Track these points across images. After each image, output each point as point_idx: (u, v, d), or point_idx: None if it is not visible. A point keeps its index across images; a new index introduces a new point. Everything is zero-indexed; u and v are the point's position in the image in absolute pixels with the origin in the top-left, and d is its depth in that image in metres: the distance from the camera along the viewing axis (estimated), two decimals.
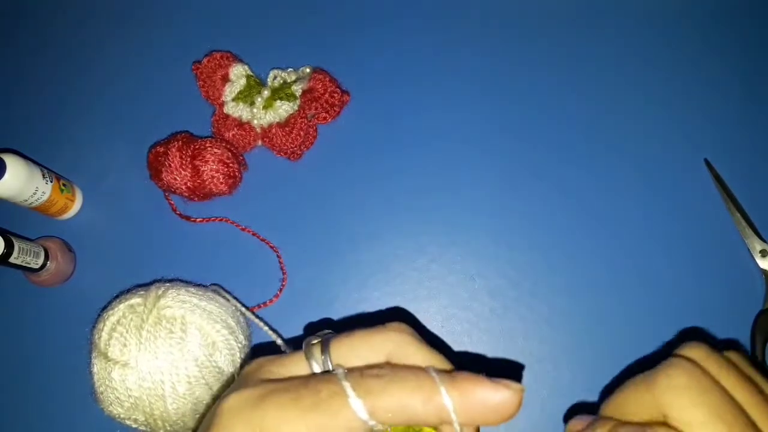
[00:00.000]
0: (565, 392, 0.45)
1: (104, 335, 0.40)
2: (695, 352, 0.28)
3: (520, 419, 0.44)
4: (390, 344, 0.27)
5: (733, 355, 0.30)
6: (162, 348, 0.39)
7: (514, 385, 0.24)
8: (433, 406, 0.23)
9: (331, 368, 0.26)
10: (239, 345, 0.42)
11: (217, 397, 0.39)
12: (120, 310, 0.41)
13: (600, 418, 0.28)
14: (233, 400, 0.24)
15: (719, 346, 0.29)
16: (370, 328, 0.28)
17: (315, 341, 0.27)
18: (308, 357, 0.26)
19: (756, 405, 0.26)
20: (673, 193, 0.48)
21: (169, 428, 0.40)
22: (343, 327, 0.28)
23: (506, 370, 0.46)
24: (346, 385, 0.23)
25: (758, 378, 0.28)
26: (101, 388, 0.40)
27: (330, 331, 0.29)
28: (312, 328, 0.46)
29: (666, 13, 0.53)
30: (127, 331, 0.39)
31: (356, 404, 0.23)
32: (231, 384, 0.36)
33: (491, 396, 0.24)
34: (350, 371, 0.24)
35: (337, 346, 0.26)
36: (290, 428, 0.23)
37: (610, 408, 0.28)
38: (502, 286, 0.47)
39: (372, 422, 0.23)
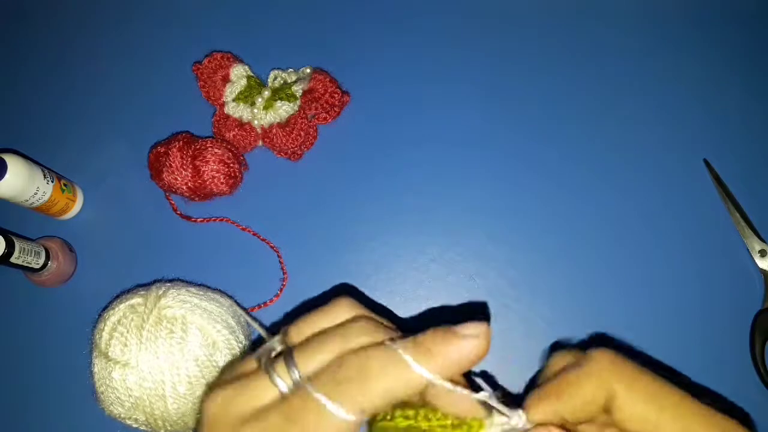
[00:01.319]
0: None
1: (105, 335, 0.40)
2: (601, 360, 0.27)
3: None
4: (344, 329, 0.26)
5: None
6: (163, 348, 0.39)
7: (476, 329, 0.24)
8: (413, 383, 0.23)
9: (298, 380, 0.24)
10: (240, 345, 0.42)
11: None
12: (121, 310, 0.41)
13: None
14: (215, 415, 0.24)
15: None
16: (317, 311, 0.27)
17: (273, 354, 0.26)
18: (273, 378, 0.24)
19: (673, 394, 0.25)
20: (673, 193, 0.48)
21: (169, 428, 0.40)
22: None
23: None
24: (331, 406, 0.22)
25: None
26: (102, 388, 0.40)
27: (275, 336, 0.27)
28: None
29: (666, 13, 0.53)
30: (127, 331, 0.40)
31: (345, 416, 0.22)
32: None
33: (461, 350, 0.24)
34: (319, 381, 0.23)
35: (300, 353, 0.25)
36: None
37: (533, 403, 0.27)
38: (502, 286, 0.47)
39: (363, 418, 0.23)
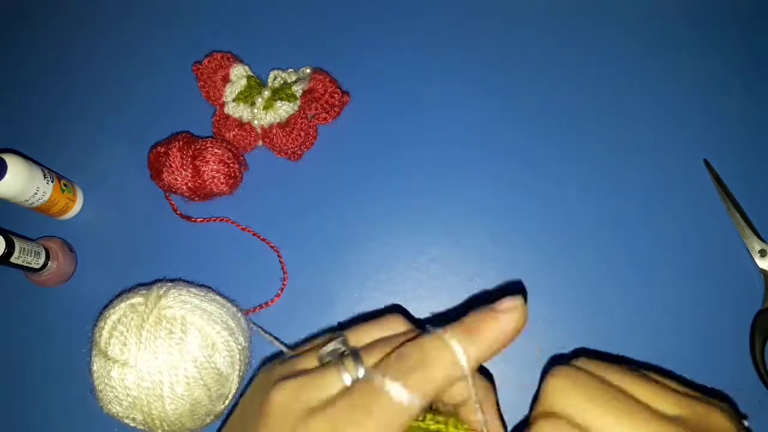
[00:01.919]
0: None
1: (104, 334, 0.40)
2: (576, 361, 0.29)
3: (519, 419, 0.44)
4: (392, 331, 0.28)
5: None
6: (161, 348, 0.39)
7: (512, 302, 0.26)
8: (459, 366, 0.24)
9: (365, 373, 0.26)
10: (239, 347, 0.42)
11: (215, 399, 0.40)
12: (121, 309, 0.41)
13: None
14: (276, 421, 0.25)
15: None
16: (372, 322, 0.30)
17: (342, 351, 0.28)
18: (342, 372, 0.26)
19: (649, 391, 0.25)
20: (673, 193, 0.48)
21: (167, 428, 0.40)
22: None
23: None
24: (396, 390, 0.24)
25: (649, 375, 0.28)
26: (100, 387, 0.40)
27: (341, 334, 0.29)
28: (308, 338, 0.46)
29: (666, 13, 0.53)
30: (127, 330, 0.40)
31: (409, 400, 0.23)
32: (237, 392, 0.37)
33: (500, 325, 0.25)
34: (382, 370, 0.25)
35: (366, 353, 0.27)
36: None
37: None
38: (502, 286, 0.47)
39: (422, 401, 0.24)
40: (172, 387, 0.39)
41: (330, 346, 0.28)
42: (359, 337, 0.29)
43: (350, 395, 0.25)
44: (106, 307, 0.43)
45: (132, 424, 0.41)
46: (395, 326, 0.30)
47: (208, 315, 0.41)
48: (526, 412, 0.43)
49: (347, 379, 0.26)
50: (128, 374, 0.39)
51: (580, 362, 0.28)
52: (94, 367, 0.40)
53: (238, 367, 0.42)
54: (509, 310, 0.26)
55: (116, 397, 0.39)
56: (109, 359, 0.39)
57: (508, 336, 0.26)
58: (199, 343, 0.40)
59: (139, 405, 0.39)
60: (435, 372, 0.24)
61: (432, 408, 0.30)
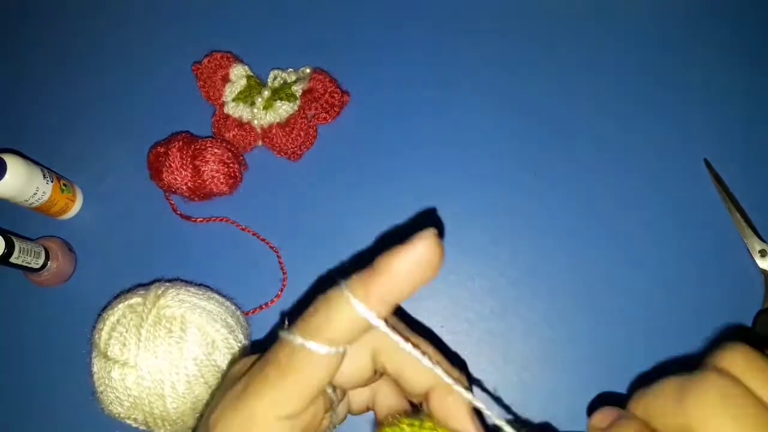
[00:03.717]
0: (566, 392, 0.45)
1: (104, 335, 0.40)
2: (734, 360, 0.25)
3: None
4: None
5: None
6: (161, 347, 0.39)
7: (422, 234, 0.25)
8: (361, 310, 0.24)
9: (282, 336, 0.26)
10: (239, 344, 0.42)
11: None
12: (120, 309, 0.41)
13: (628, 414, 0.26)
14: (220, 413, 0.25)
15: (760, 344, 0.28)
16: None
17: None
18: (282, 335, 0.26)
19: None
20: (673, 193, 0.48)
21: (169, 427, 0.40)
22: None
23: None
24: (295, 337, 0.24)
25: None
26: (101, 388, 0.40)
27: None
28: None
29: (666, 14, 0.53)
30: (126, 331, 0.40)
31: (315, 347, 0.23)
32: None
33: (409, 259, 0.24)
34: (294, 325, 0.25)
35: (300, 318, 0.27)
36: (276, 410, 0.23)
37: (640, 407, 0.26)
38: (502, 286, 0.47)
39: (337, 349, 0.24)
40: (173, 386, 0.39)
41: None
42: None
43: (272, 352, 0.25)
44: (105, 308, 0.43)
45: (134, 425, 0.41)
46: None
47: (207, 313, 0.41)
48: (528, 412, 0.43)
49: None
50: (129, 374, 0.39)
51: (733, 361, 0.25)
52: (95, 369, 0.40)
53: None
54: (419, 240, 0.25)
55: (117, 397, 0.39)
56: (109, 360, 0.39)
57: (418, 271, 0.24)
58: (199, 341, 0.40)
59: (141, 405, 0.39)
60: (339, 324, 0.24)
61: (410, 411, 0.29)
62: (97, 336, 0.41)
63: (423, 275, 0.25)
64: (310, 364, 0.24)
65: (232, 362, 0.41)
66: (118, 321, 0.40)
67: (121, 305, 0.41)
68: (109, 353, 0.39)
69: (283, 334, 0.25)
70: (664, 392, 0.25)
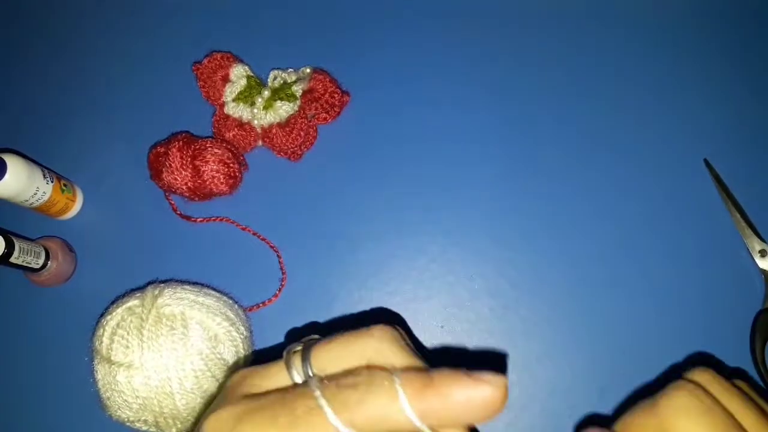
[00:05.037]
0: (565, 393, 0.45)
1: (105, 340, 0.40)
2: (700, 375, 0.28)
3: (519, 419, 0.44)
4: (370, 350, 0.25)
5: (738, 381, 0.30)
6: (165, 345, 0.39)
7: (495, 379, 0.22)
8: (401, 419, 0.22)
9: (309, 375, 0.25)
10: (241, 336, 0.42)
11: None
12: (118, 313, 0.41)
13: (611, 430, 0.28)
14: (213, 422, 0.24)
15: (726, 373, 0.30)
16: (352, 332, 0.27)
17: (296, 349, 0.26)
18: (288, 367, 0.25)
19: (759, 428, 0.26)
20: (673, 193, 0.48)
21: (180, 425, 0.40)
22: (337, 328, 0.27)
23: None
24: (322, 401, 0.22)
25: (764, 403, 0.28)
26: (107, 393, 0.40)
27: (315, 336, 0.28)
28: (295, 334, 0.46)
29: (666, 13, 0.53)
30: (128, 333, 0.39)
31: (335, 421, 0.22)
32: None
33: (471, 395, 0.22)
34: (326, 382, 0.23)
35: (317, 353, 0.25)
36: None
37: (619, 425, 0.28)
38: (502, 286, 0.47)
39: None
40: (180, 382, 0.39)
41: (290, 346, 0.27)
42: (324, 358, 0.26)
43: (286, 393, 0.24)
44: (102, 314, 0.43)
45: (144, 428, 0.41)
46: (372, 343, 0.26)
47: (207, 308, 0.41)
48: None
49: (295, 377, 0.25)
50: (135, 376, 0.38)
51: (699, 376, 0.28)
52: (99, 375, 0.40)
53: (242, 357, 0.42)
54: (489, 383, 0.22)
55: (125, 401, 0.39)
56: (113, 364, 0.39)
57: (474, 410, 0.22)
58: (202, 335, 0.40)
59: (150, 405, 0.39)
60: (370, 409, 0.22)
61: None
62: (97, 342, 0.41)
63: (477, 416, 0.23)
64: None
65: (231, 370, 0.41)
66: (118, 325, 0.40)
67: (119, 309, 0.41)
68: (112, 357, 0.39)
69: (313, 385, 0.23)
70: (640, 409, 0.28)
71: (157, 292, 0.41)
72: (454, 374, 0.23)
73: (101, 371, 0.40)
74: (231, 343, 0.41)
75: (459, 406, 0.22)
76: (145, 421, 0.40)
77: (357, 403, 0.22)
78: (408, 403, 0.22)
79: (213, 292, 0.44)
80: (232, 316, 0.42)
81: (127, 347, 0.39)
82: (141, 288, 0.43)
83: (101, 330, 0.41)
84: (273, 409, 0.23)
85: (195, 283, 0.45)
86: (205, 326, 0.40)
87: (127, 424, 0.40)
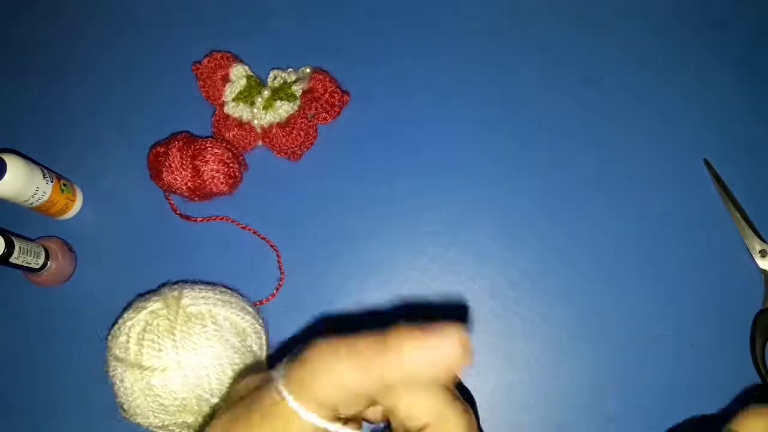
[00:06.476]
0: (565, 393, 0.45)
1: (133, 347, 0.39)
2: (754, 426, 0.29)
3: (519, 419, 0.44)
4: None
5: None
6: (200, 343, 0.39)
7: (451, 330, 0.22)
8: (371, 380, 0.22)
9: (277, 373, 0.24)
10: (262, 327, 0.43)
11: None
12: (141, 319, 0.40)
13: None
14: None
15: None
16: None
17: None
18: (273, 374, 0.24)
19: None
20: (673, 193, 0.48)
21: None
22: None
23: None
24: (282, 388, 0.22)
25: None
26: (138, 401, 0.39)
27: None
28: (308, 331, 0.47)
29: (665, 14, 0.53)
30: (158, 337, 0.39)
31: (296, 407, 0.22)
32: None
33: (428, 350, 0.21)
34: (287, 367, 0.23)
35: (291, 357, 0.24)
36: None
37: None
38: (502, 286, 0.47)
39: (318, 421, 0.22)
40: (219, 378, 0.39)
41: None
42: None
43: (257, 392, 0.24)
44: (114, 323, 0.42)
45: (178, 431, 0.40)
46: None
47: (230, 304, 0.42)
48: None
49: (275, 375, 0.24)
50: (172, 378, 0.38)
51: None
52: (127, 383, 0.39)
53: (265, 349, 0.43)
54: (444, 335, 0.21)
55: (161, 404, 0.38)
56: (145, 369, 0.38)
57: (435, 365, 0.22)
58: (232, 330, 0.40)
59: (189, 406, 0.39)
60: (325, 382, 0.22)
61: None
62: (121, 350, 0.40)
63: (440, 371, 0.22)
64: (298, 426, 0.22)
65: (240, 374, 0.40)
66: (144, 329, 0.40)
67: (140, 315, 0.40)
68: (143, 363, 0.39)
69: (276, 374, 0.23)
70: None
71: (176, 293, 0.41)
72: (407, 331, 0.22)
73: (130, 378, 0.39)
74: (256, 336, 0.42)
75: (416, 363, 0.22)
76: (185, 423, 0.39)
77: (311, 381, 0.22)
78: (346, 366, 0.22)
79: (227, 290, 0.44)
80: (252, 310, 0.43)
81: (160, 350, 0.38)
82: (142, 291, 0.43)
83: (124, 337, 0.40)
84: (248, 408, 0.23)
85: (205, 283, 0.45)
86: (232, 321, 0.41)
87: (163, 429, 0.40)
